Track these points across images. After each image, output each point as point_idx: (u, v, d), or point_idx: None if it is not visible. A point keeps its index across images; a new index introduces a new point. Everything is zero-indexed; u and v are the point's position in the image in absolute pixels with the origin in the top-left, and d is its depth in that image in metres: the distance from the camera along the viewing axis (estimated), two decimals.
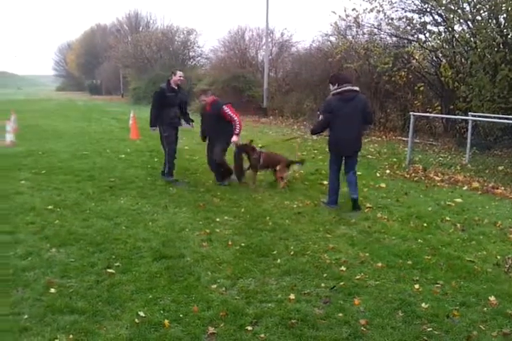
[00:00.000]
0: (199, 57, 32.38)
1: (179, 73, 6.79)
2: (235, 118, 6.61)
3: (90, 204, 5.66)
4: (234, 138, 6.61)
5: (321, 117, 5.60)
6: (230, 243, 4.43)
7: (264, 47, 21.36)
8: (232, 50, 23.06)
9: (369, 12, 12.63)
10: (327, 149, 5.88)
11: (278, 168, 6.68)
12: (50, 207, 5.51)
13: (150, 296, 3.35)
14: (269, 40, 20.99)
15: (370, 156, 9.51)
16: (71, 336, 2.83)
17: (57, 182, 6.79)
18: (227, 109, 6.60)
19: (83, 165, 8.22)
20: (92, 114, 20.59)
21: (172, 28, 33.13)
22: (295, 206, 5.78)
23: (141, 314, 3.07)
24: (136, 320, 3.00)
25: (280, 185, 6.66)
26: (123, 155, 9.30)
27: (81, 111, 22.79)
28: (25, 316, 3.06)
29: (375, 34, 13.69)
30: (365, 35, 14.12)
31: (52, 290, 3.41)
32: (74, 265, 3.88)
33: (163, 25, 38.89)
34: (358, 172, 7.62)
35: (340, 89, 5.34)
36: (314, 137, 6.10)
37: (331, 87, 5.54)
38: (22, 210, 5.38)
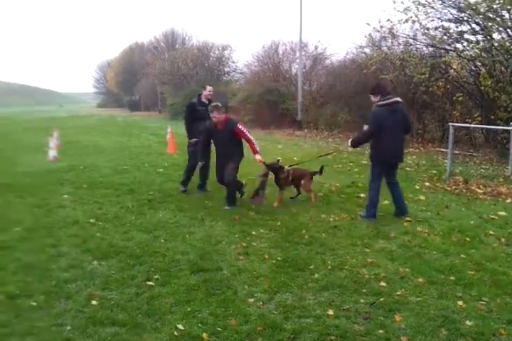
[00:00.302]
0: (233, 72, 32.89)
1: (209, 88, 7.12)
2: (250, 136, 6.35)
3: (130, 218, 5.81)
4: (257, 157, 6.30)
5: (366, 128, 5.52)
6: (266, 256, 4.43)
7: (297, 60, 21.48)
8: (266, 64, 23.30)
9: (404, 23, 12.51)
10: (369, 161, 5.85)
11: (303, 182, 6.60)
12: (91, 220, 5.69)
13: (188, 309, 3.38)
14: (303, 53, 21.07)
15: (408, 168, 9.31)
16: None
17: (98, 196, 7.02)
18: (241, 128, 6.38)
19: (123, 179, 8.45)
20: (132, 130, 21.19)
21: (207, 45, 33.86)
22: (331, 219, 5.72)
23: (180, 327, 3.10)
24: (176, 333, 3.03)
25: (312, 198, 6.60)
26: (161, 169, 9.51)
27: (121, 127, 23.50)
28: (68, 327, 3.15)
29: (411, 44, 13.52)
30: (401, 46, 13.97)
31: (94, 302, 3.50)
32: (115, 277, 3.97)
33: (198, 41, 39.81)
34: None
35: (388, 101, 5.36)
36: (350, 149, 5.95)
37: (373, 97, 5.49)
38: (65, 224, 5.58)
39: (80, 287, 3.79)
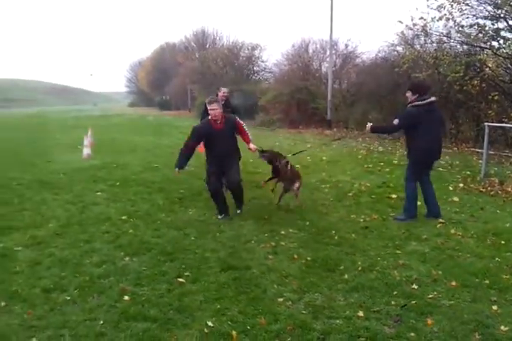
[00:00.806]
0: (263, 72, 32.91)
1: (223, 90, 7.34)
2: (245, 127, 5.90)
3: (161, 215, 5.91)
4: (251, 146, 5.78)
5: (396, 121, 5.43)
6: (295, 256, 4.42)
7: (327, 59, 21.31)
8: (296, 62, 23.20)
9: (437, 20, 12.23)
10: (406, 160, 5.81)
11: (297, 184, 6.19)
12: (124, 217, 5.82)
13: (218, 306, 3.41)
14: (333, 51, 20.90)
15: (441, 169, 9.10)
16: None
17: (130, 194, 7.16)
18: (239, 120, 5.91)
19: (154, 177, 8.60)
20: (162, 128, 21.51)
21: (237, 44, 34.02)
22: (362, 220, 5.65)
23: (210, 324, 3.14)
24: (206, 330, 3.07)
25: (298, 202, 6.31)
26: (191, 168, 9.60)
27: (152, 126, 23.89)
28: (101, 322, 3.23)
29: (445, 42, 13.20)
30: (434, 44, 13.65)
31: (126, 297, 3.58)
32: (146, 273, 4.05)
33: (228, 41, 40.06)
34: None
35: (425, 101, 5.29)
36: (367, 130, 5.63)
37: (411, 94, 5.40)
38: (98, 220, 5.73)
39: (113, 282, 3.88)
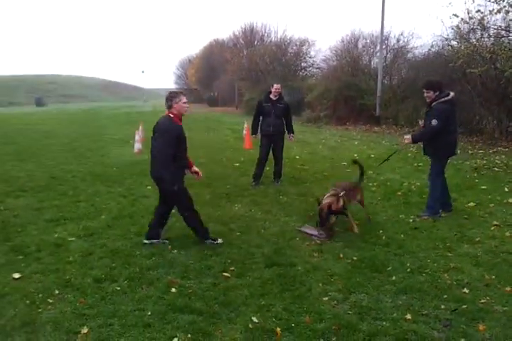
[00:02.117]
0: (310, 67, 32.53)
1: (275, 86, 7.41)
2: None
3: (208, 210, 5.99)
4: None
5: (434, 123, 5.33)
6: (341, 255, 4.37)
7: (378, 54, 20.78)
8: (345, 58, 22.76)
9: (496, 13, 11.60)
10: (433, 157, 5.69)
11: (359, 197, 5.57)
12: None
13: (263, 302, 3.43)
14: (384, 46, 20.34)
15: (496, 168, 8.68)
16: (189, 335, 3.02)
17: None
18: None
19: (202, 172, 8.71)
20: (210, 124, 21.80)
21: (285, 40, 33.80)
22: (411, 220, 5.49)
23: (255, 319, 3.16)
24: (250, 325, 3.10)
25: (368, 216, 5.58)
26: (237, 164, 9.71)
27: (200, 122, 24.27)
28: (149, 313, 3.33)
29: (503, 36, 12.51)
30: (491, 38, 12.97)
31: (173, 289, 3.67)
32: (193, 267, 4.13)
33: (277, 37, 39.88)
34: (483, 186, 7.08)
35: (451, 96, 5.42)
36: (405, 142, 5.59)
37: (432, 93, 5.46)
38: (148, 213, 5.88)
39: (161, 274, 3.98)
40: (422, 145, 5.86)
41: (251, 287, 3.70)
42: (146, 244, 4.74)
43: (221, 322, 3.19)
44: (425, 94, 5.54)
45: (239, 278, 3.89)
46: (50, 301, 3.51)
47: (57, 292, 3.66)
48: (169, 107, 4.62)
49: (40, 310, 3.37)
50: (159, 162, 4.47)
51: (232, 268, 4.07)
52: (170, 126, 4.58)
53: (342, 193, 5.09)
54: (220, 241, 4.76)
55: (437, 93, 5.43)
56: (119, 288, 3.72)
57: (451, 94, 5.44)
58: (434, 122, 5.34)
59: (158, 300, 3.51)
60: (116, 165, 9.64)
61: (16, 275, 3.94)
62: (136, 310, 3.37)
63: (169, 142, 4.46)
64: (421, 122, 5.82)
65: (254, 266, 4.13)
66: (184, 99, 4.65)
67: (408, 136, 5.64)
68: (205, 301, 3.47)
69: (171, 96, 4.61)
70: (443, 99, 5.39)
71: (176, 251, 4.53)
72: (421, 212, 5.73)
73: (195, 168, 4.95)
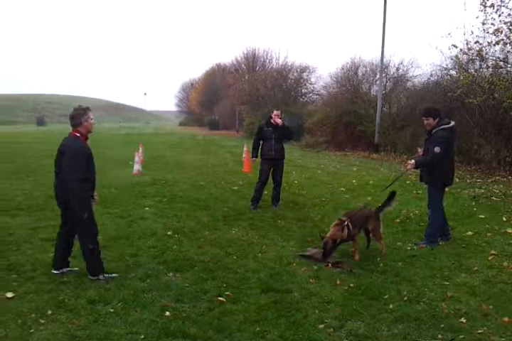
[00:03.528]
0: (310, 94, 33.01)
1: (275, 112, 7.60)
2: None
3: (205, 232, 5.98)
4: None
5: (437, 150, 5.38)
6: (338, 282, 4.33)
7: (377, 82, 21.12)
8: (344, 85, 23.11)
9: (494, 45, 11.90)
10: (431, 185, 5.70)
11: (371, 227, 5.32)
12: (169, 232, 5.94)
13: (258, 328, 3.38)
14: (384, 75, 20.69)
15: (494, 198, 8.70)
16: None
17: (177, 210, 7.32)
18: None
19: (200, 195, 8.76)
20: (210, 148, 21.94)
21: (286, 67, 34.44)
22: (409, 248, 5.47)
23: None
24: None
25: (382, 247, 5.27)
26: (236, 187, 9.73)
27: (200, 145, 24.42)
28: (142, 336, 3.27)
29: (501, 67, 12.78)
30: (490, 69, 13.24)
31: (167, 313, 3.62)
32: (188, 290, 4.09)
33: (278, 63, 40.64)
34: (481, 215, 7.08)
35: (452, 123, 5.51)
36: (408, 167, 5.66)
37: (431, 120, 5.54)
38: (144, 235, 5.86)
39: (155, 297, 3.93)
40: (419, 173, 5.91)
41: (246, 312, 3.65)
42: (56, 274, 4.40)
43: None
44: (425, 122, 5.61)
45: (234, 303, 3.84)
46: (42, 322, 3.45)
47: (49, 312, 3.61)
48: (76, 125, 4.23)
49: (31, 331, 3.31)
50: (68, 187, 4.13)
51: (227, 293, 4.02)
52: (79, 147, 4.22)
53: (347, 222, 5.01)
54: (114, 275, 4.36)
55: (437, 119, 5.50)
56: (112, 310, 3.66)
57: (452, 122, 5.52)
58: (436, 149, 5.39)
59: (151, 324, 3.45)
60: (115, 185, 9.64)
61: (9, 295, 3.89)
62: (129, 333, 3.31)
63: (80, 165, 4.15)
64: (420, 150, 5.88)
65: (249, 291, 4.09)
66: (92, 116, 4.31)
67: (412, 161, 5.67)
68: (199, 326, 3.42)
69: (79, 114, 4.23)
70: (444, 126, 5.46)
71: (171, 273, 4.49)
72: (419, 241, 5.71)
73: (95, 193, 4.58)
